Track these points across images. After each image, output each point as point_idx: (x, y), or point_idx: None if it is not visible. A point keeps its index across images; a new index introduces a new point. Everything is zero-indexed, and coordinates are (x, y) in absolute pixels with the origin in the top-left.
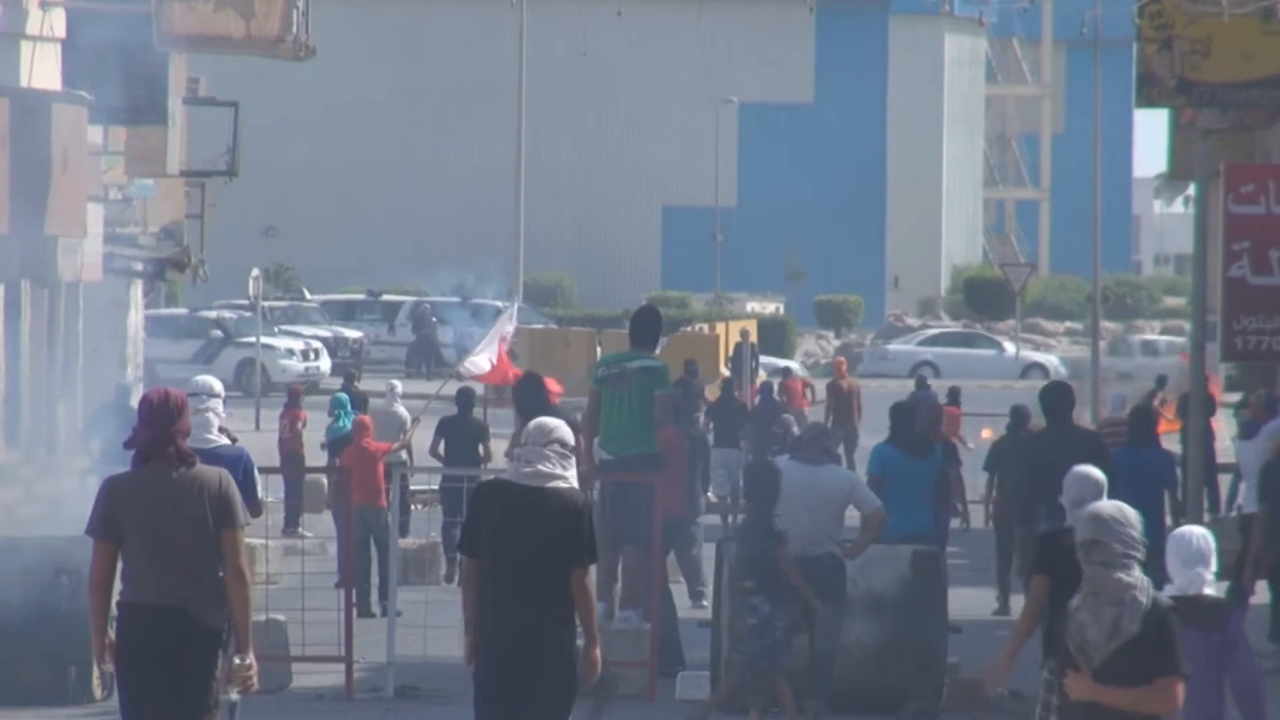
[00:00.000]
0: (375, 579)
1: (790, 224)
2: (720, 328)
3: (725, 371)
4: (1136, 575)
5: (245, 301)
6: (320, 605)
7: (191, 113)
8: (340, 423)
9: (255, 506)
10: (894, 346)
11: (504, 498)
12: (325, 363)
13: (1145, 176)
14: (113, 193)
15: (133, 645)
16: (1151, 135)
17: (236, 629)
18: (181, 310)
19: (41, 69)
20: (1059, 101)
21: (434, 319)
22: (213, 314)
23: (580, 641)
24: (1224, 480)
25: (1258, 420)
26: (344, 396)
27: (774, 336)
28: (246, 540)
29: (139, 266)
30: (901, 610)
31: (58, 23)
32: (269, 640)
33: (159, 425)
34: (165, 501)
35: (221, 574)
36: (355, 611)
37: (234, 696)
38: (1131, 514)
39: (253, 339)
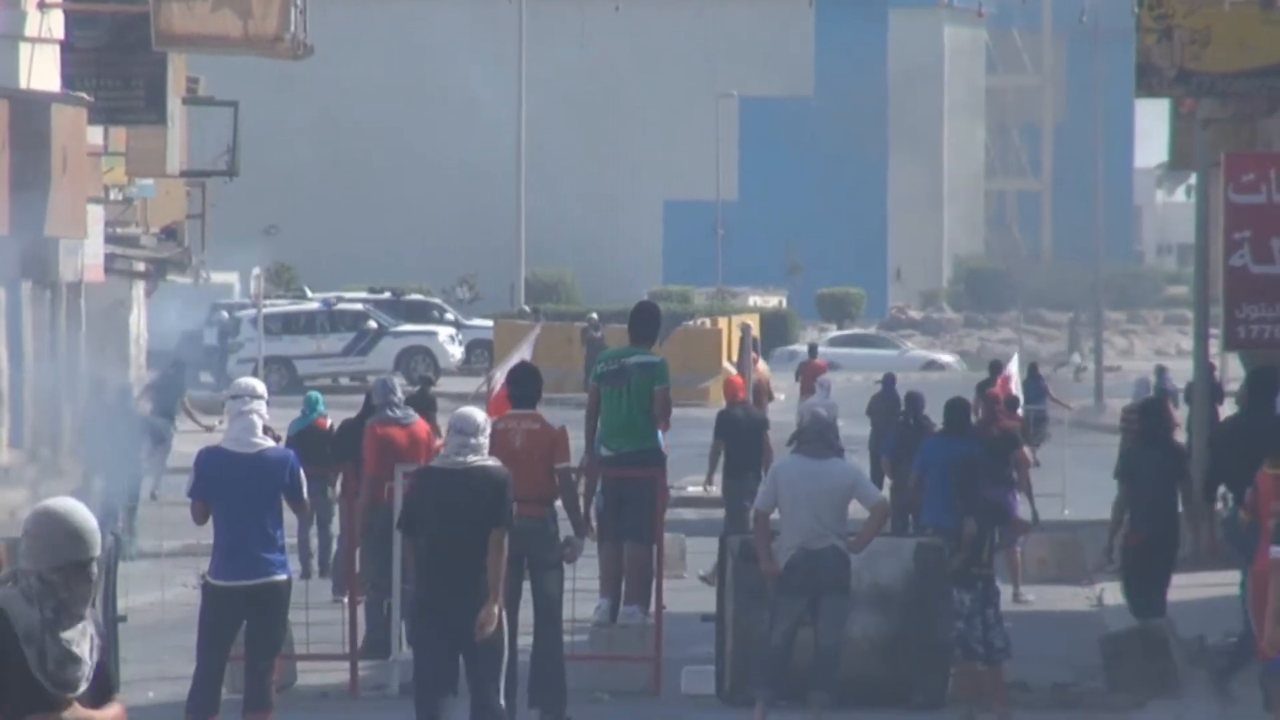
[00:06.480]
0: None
1: (792, 217)
2: (723, 322)
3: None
4: None
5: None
6: (323, 602)
7: (191, 113)
8: (303, 420)
9: (302, 505)
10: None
11: (438, 480)
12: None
13: (1147, 166)
14: (113, 193)
15: None
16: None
17: None
18: (312, 304)
19: (41, 70)
20: (1059, 92)
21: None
22: (357, 305)
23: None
24: None
25: None
26: (315, 395)
27: (776, 330)
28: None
29: (140, 267)
30: (906, 602)
31: (56, 24)
32: None
33: None
34: None
35: None
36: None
37: None
38: None
39: (413, 328)
